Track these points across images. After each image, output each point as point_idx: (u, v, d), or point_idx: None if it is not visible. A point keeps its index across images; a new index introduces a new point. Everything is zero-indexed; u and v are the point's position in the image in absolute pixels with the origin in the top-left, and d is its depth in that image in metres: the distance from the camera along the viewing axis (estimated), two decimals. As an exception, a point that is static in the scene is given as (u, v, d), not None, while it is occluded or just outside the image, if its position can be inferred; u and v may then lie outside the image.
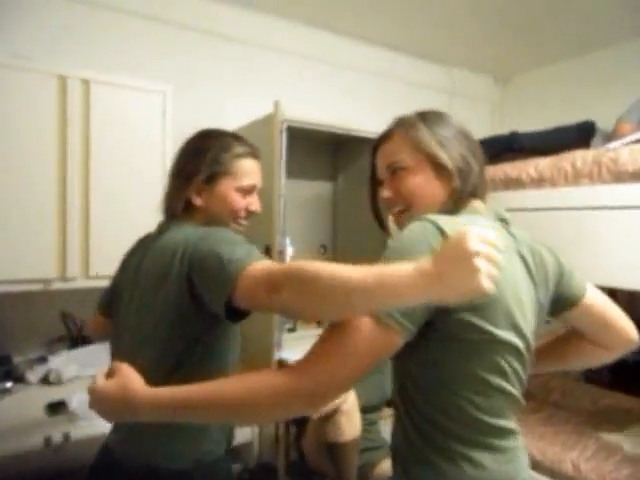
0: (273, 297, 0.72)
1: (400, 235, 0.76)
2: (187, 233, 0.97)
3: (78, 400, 1.63)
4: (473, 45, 3.12)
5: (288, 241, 2.30)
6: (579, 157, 1.87)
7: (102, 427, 1.23)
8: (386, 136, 0.92)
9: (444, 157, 0.84)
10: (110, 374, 0.79)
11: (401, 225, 0.90)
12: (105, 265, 1.73)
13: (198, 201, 1.06)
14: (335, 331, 0.69)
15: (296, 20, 2.76)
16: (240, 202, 1.10)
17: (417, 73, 3.34)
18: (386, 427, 1.88)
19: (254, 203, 1.14)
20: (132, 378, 0.76)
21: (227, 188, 1.08)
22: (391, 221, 0.95)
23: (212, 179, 1.06)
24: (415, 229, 0.74)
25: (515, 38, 2.97)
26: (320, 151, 3.03)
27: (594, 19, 2.64)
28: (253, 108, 2.43)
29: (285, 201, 2.18)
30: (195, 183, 1.05)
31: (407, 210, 0.88)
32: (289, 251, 2.31)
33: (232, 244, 0.87)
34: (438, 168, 0.84)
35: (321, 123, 2.38)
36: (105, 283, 1.24)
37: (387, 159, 0.89)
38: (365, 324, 0.68)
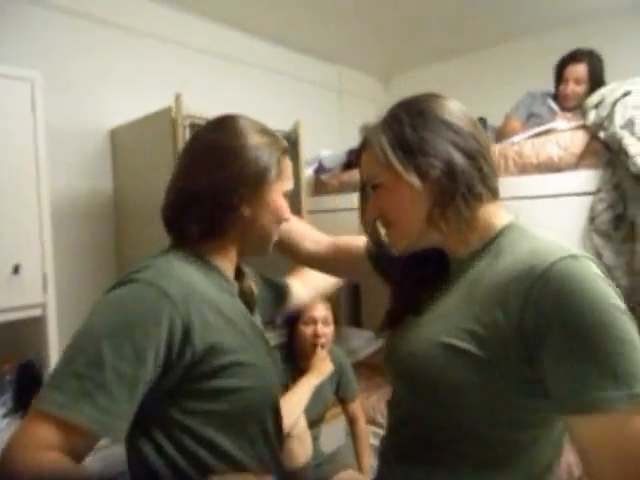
0: None
1: None
2: None
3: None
4: (357, 44, 3.18)
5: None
6: (486, 151, 1.97)
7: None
8: (362, 146, 0.82)
9: (412, 178, 0.70)
10: None
11: (391, 242, 0.82)
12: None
13: (247, 212, 0.84)
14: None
15: (191, 12, 2.52)
16: (288, 210, 0.90)
17: (309, 71, 3.30)
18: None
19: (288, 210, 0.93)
20: None
21: (276, 193, 0.87)
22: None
23: (259, 185, 0.84)
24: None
25: (396, 38, 3.09)
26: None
27: (470, 22, 2.85)
28: (143, 104, 2.15)
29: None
30: (241, 192, 0.82)
31: (387, 226, 0.81)
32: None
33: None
34: (422, 177, 0.71)
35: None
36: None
37: (364, 174, 0.81)
38: None
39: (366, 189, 0.82)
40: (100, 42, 2.24)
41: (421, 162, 0.71)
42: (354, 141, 1.45)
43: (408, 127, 0.72)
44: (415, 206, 0.73)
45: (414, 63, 3.58)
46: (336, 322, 1.86)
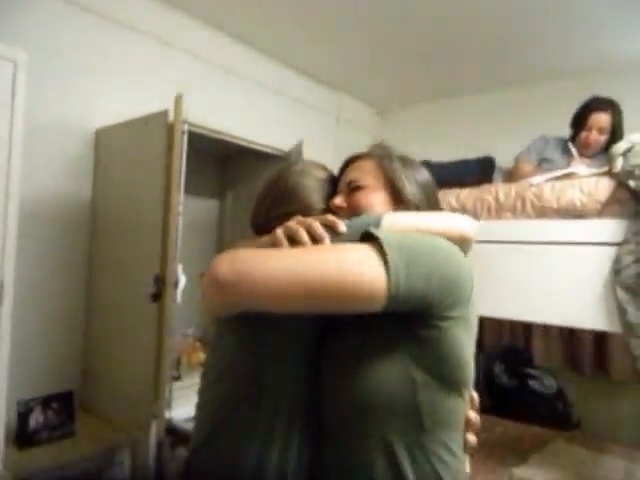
0: None
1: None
2: None
3: None
4: (360, 75, 3.17)
5: (181, 270, 1.85)
6: (501, 190, 1.87)
7: None
8: (360, 156, 0.93)
9: (407, 190, 0.86)
10: None
11: None
12: None
13: None
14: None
15: (198, 20, 2.41)
16: None
17: (310, 94, 3.22)
18: None
19: None
20: None
21: None
22: None
23: None
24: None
25: (397, 73, 3.10)
26: (207, 165, 2.63)
27: (470, 64, 2.85)
28: (134, 107, 1.98)
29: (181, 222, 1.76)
30: None
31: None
32: (182, 282, 1.86)
33: None
34: (397, 200, 0.86)
35: (227, 132, 2.02)
36: None
37: (352, 174, 0.90)
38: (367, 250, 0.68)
39: (343, 189, 0.91)
40: (96, 35, 2.07)
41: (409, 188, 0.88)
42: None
43: (407, 165, 0.90)
44: (380, 205, 0.86)
45: (412, 99, 3.56)
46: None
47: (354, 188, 0.88)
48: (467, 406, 0.78)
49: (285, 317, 0.70)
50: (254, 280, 0.65)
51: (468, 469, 0.79)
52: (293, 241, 0.72)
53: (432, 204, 0.89)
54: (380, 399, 0.70)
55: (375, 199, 0.86)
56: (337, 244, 0.72)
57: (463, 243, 0.77)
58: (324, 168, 0.96)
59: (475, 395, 0.83)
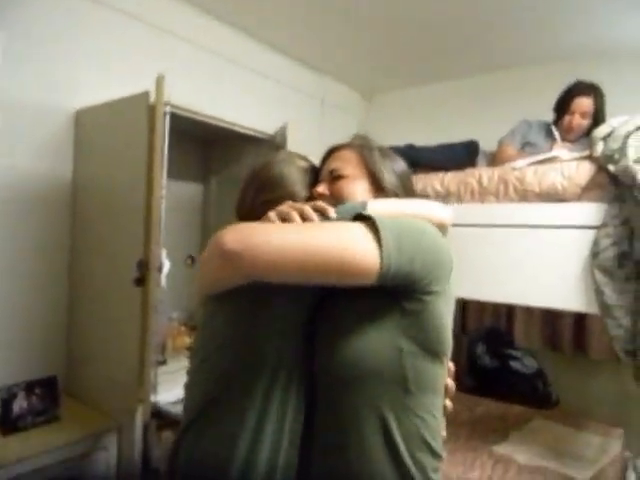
0: None
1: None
2: None
3: None
4: (346, 58, 3.15)
5: (164, 254, 1.84)
6: (484, 174, 1.88)
7: None
8: (342, 146, 0.97)
9: (387, 179, 0.91)
10: None
11: None
12: None
13: None
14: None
15: (184, 2, 2.36)
16: None
17: (296, 77, 3.18)
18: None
19: None
20: None
21: None
22: None
23: None
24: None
25: (382, 57, 3.08)
26: (191, 148, 2.60)
27: (454, 50, 2.84)
28: (116, 87, 1.93)
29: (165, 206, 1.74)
30: None
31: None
32: (166, 267, 1.84)
33: None
34: (377, 189, 0.91)
35: (210, 115, 1.99)
36: None
37: (334, 164, 0.94)
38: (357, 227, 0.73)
39: (326, 178, 0.95)
40: (77, 16, 2.01)
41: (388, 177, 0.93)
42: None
43: (386, 157, 0.96)
44: (362, 195, 0.90)
45: (397, 83, 3.55)
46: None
47: (336, 177, 0.92)
48: (446, 374, 0.84)
49: (286, 287, 0.74)
50: (259, 252, 0.68)
51: (444, 432, 0.85)
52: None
53: (409, 192, 0.94)
54: (368, 364, 0.74)
55: (356, 187, 0.91)
56: (332, 222, 0.77)
57: (441, 227, 0.83)
58: (305, 158, 1.01)
59: (451, 365, 0.89)
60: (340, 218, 0.78)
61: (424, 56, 3.00)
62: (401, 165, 0.96)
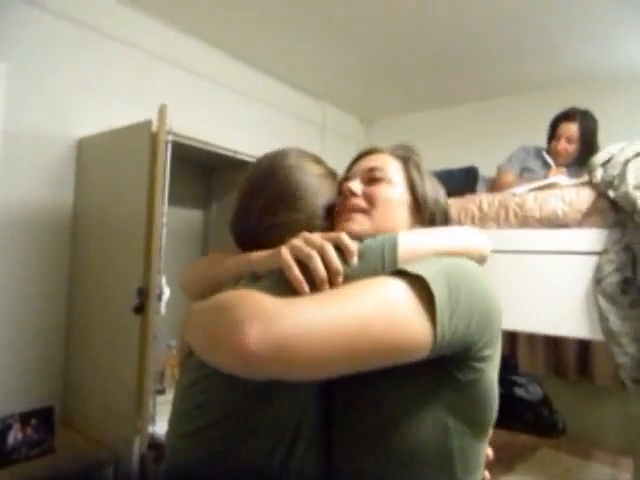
0: None
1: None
2: None
3: None
4: (344, 84, 3.20)
5: (164, 281, 1.83)
6: (485, 200, 1.89)
7: None
8: (381, 150, 0.88)
9: (428, 195, 0.82)
10: None
11: (356, 222, 0.80)
12: None
13: None
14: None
15: (181, 30, 2.42)
16: None
17: (294, 104, 3.23)
18: None
19: None
20: None
21: None
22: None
23: None
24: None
25: (381, 83, 3.12)
26: (192, 175, 2.61)
27: (453, 76, 2.89)
28: (117, 116, 1.96)
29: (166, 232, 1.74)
30: None
31: (366, 212, 0.80)
32: (166, 294, 1.83)
33: None
34: (415, 203, 0.81)
35: (211, 142, 2.01)
36: None
37: (374, 163, 0.83)
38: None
39: (362, 175, 0.84)
40: (78, 44, 2.06)
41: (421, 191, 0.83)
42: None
43: (426, 175, 0.85)
44: (401, 207, 0.81)
45: (396, 109, 3.60)
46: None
47: (375, 178, 0.81)
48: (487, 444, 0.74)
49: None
50: (301, 351, 0.52)
51: None
52: (302, 266, 0.64)
53: (445, 214, 0.85)
54: (414, 452, 0.64)
55: (394, 195, 0.79)
56: (372, 284, 0.61)
57: (481, 260, 0.74)
58: (318, 160, 0.86)
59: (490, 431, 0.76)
60: (372, 262, 0.65)
61: (423, 82, 3.05)
62: (438, 185, 0.86)
